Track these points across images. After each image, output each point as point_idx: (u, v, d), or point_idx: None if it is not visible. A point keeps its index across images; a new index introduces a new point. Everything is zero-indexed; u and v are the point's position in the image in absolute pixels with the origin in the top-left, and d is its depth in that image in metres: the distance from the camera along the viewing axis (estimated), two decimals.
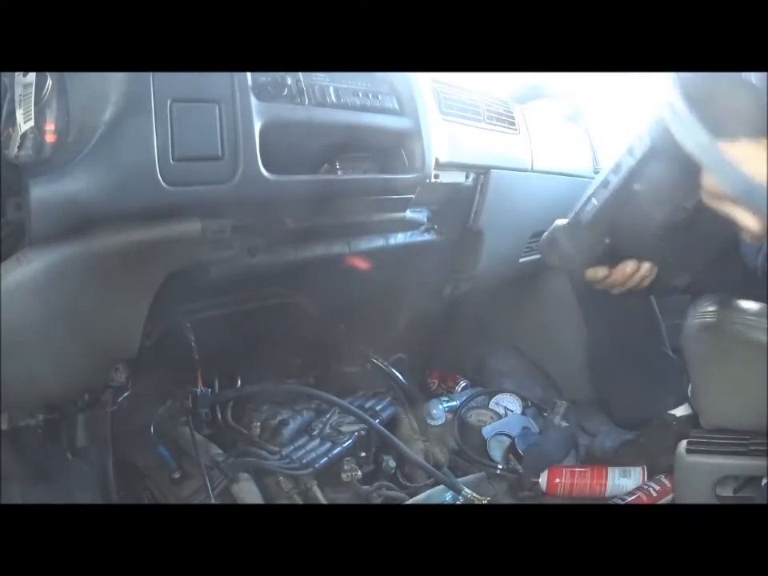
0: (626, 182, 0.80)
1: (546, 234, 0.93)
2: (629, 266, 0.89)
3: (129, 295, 0.87)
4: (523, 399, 1.66)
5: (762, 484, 1.14)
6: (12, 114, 0.69)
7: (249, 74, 0.85)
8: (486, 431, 1.53)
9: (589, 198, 0.85)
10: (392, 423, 1.40)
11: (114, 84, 0.73)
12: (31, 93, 0.69)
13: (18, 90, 0.69)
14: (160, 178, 0.77)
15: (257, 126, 0.85)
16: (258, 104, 0.86)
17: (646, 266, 0.90)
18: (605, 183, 0.82)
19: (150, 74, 0.75)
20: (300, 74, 0.93)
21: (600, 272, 0.91)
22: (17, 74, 0.69)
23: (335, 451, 1.22)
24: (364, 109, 1.01)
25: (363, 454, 1.29)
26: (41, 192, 0.71)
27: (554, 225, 0.91)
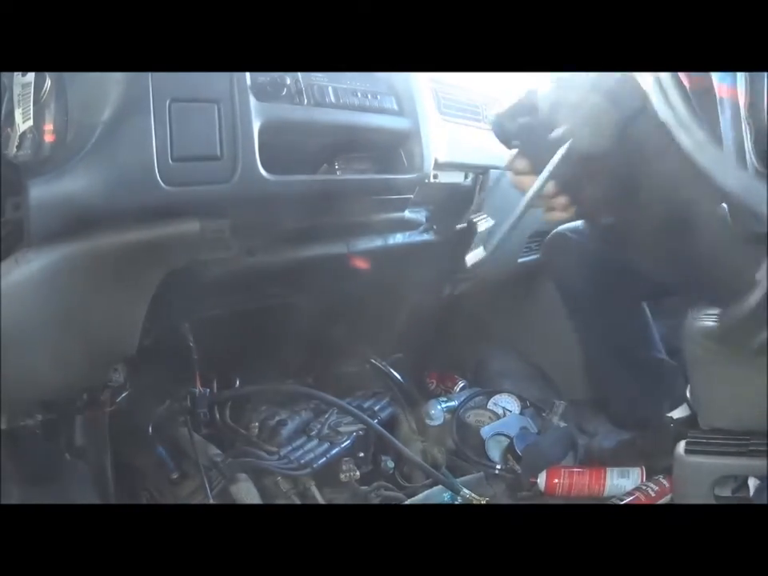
0: None
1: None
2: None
3: (127, 295, 0.87)
4: (522, 399, 1.66)
5: (750, 484, 1.14)
6: (11, 114, 0.69)
7: (248, 74, 0.85)
8: (485, 431, 1.53)
9: None
10: (390, 423, 1.41)
11: (112, 84, 0.73)
12: (30, 92, 0.69)
13: (17, 90, 0.69)
14: (159, 178, 0.77)
15: (256, 126, 0.85)
16: (257, 104, 0.86)
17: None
18: None
19: (149, 73, 0.75)
20: (299, 74, 0.93)
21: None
22: (15, 73, 0.69)
23: (333, 451, 1.21)
24: (363, 109, 1.01)
25: (361, 455, 1.29)
26: (40, 192, 0.71)
27: None
